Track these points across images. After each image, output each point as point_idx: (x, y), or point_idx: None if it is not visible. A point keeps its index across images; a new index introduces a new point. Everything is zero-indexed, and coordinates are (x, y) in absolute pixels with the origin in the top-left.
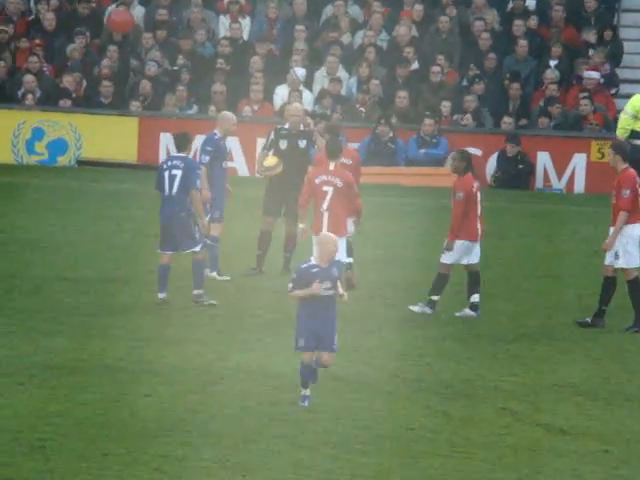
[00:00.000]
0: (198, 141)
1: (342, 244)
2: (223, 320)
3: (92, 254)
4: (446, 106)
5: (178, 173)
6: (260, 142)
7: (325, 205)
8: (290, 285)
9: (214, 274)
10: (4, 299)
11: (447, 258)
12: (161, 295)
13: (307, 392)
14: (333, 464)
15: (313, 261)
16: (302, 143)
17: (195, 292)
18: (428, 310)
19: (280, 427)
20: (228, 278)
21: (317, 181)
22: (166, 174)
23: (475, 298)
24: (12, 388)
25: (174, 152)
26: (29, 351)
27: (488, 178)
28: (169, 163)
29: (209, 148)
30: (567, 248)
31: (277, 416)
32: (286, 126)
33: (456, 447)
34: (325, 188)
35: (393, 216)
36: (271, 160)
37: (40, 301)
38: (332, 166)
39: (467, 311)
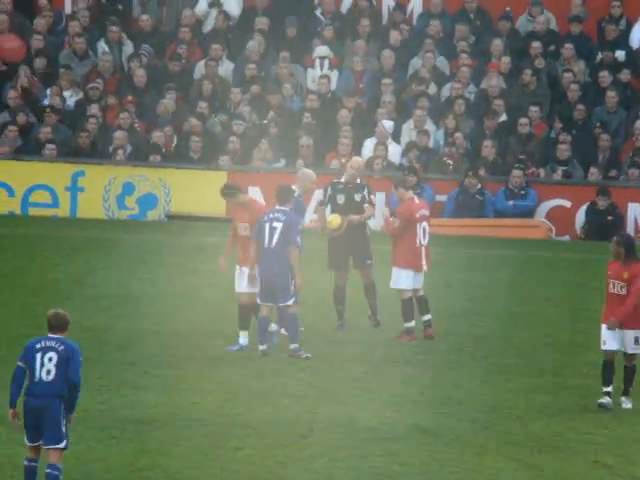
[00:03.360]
0: None
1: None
2: (312, 373)
3: (182, 308)
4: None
5: (279, 226)
6: None
7: (426, 240)
8: None
9: (283, 330)
10: (96, 353)
11: None
12: (262, 347)
13: None
14: None
15: None
16: (357, 197)
17: (291, 347)
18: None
19: None
20: (302, 329)
21: (417, 215)
22: (267, 226)
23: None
24: (104, 442)
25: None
26: (121, 404)
27: (577, 230)
28: (271, 215)
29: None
30: None
31: (367, 470)
32: (342, 179)
33: None
34: (424, 224)
35: (481, 268)
36: (335, 221)
37: (131, 354)
38: (418, 200)
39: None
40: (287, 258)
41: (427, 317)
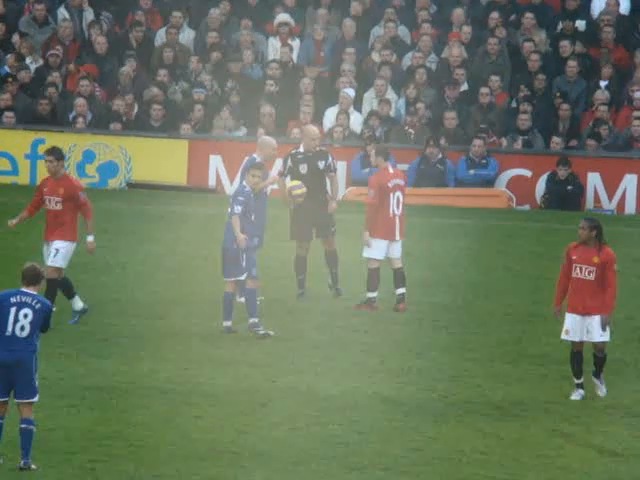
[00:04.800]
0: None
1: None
2: (272, 342)
3: (143, 276)
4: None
5: (229, 200)
6: None
7: (399, 209)
8: None
9: (242, 300)
10: (55, 321)
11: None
12: (225, 323)
13: None
14: None
15: None
16: (321, 164)
17: (250, 320)
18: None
19: (329, 449)
20: (262, 298)
21: (390, 184)
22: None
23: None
24: (63, 410)
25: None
26: (80, 373)
27: (537, 199)
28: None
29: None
30: (618, 269)
31: (326, 438)
32: (301, 149)
33: (507, 469)
34: (398, 193)
35: (442, 237)
36: (294, 182)
37: (91, 323)
38: (392, 169)
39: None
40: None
41: (401, 291)
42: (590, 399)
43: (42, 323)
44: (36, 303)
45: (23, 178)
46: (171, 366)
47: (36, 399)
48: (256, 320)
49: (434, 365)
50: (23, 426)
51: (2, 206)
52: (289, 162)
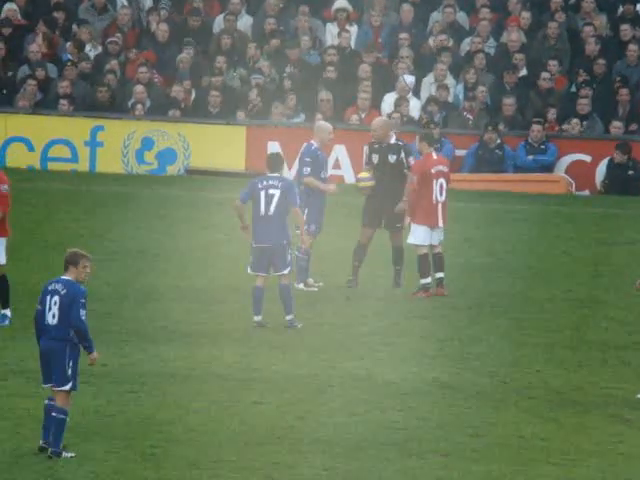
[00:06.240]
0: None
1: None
2: (331, 328)
3: (201, 263)
4: (552, 112)
5: (276, 193)
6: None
7: (443, 196)
8: None
9: (301, 286)
10: (115, 308)
11: None
12: (256, 318)
13: None
14: (443, 472)
15: None
16: (392, 158)
17: (288, 317)
18: None
19: (389, 435)
20: (316, 289)
21: (433, 171)
22: (262, 194)
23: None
24: (124, 396)
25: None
26: (140, 359)
27: (597, 184)
28: (265, 183)
29: (308, 159)
30: None
31: (386, 424)
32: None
33: (567, 455)
34: (441, 180)
35: (501, 223)
36: (364, 173)
37: (151, 310)
38: (436, 155)
39: None
40: (285, 225)
41: (440, 275)
42: None
43: (69, 310)
44: (62, 289)
45: (82, 165)
46: (230, 352)
47: (67, 387)
48: (293, 316)
49: (493, 351)
50: (53, 414)
51: (61, 193)
52: (367, 150)
